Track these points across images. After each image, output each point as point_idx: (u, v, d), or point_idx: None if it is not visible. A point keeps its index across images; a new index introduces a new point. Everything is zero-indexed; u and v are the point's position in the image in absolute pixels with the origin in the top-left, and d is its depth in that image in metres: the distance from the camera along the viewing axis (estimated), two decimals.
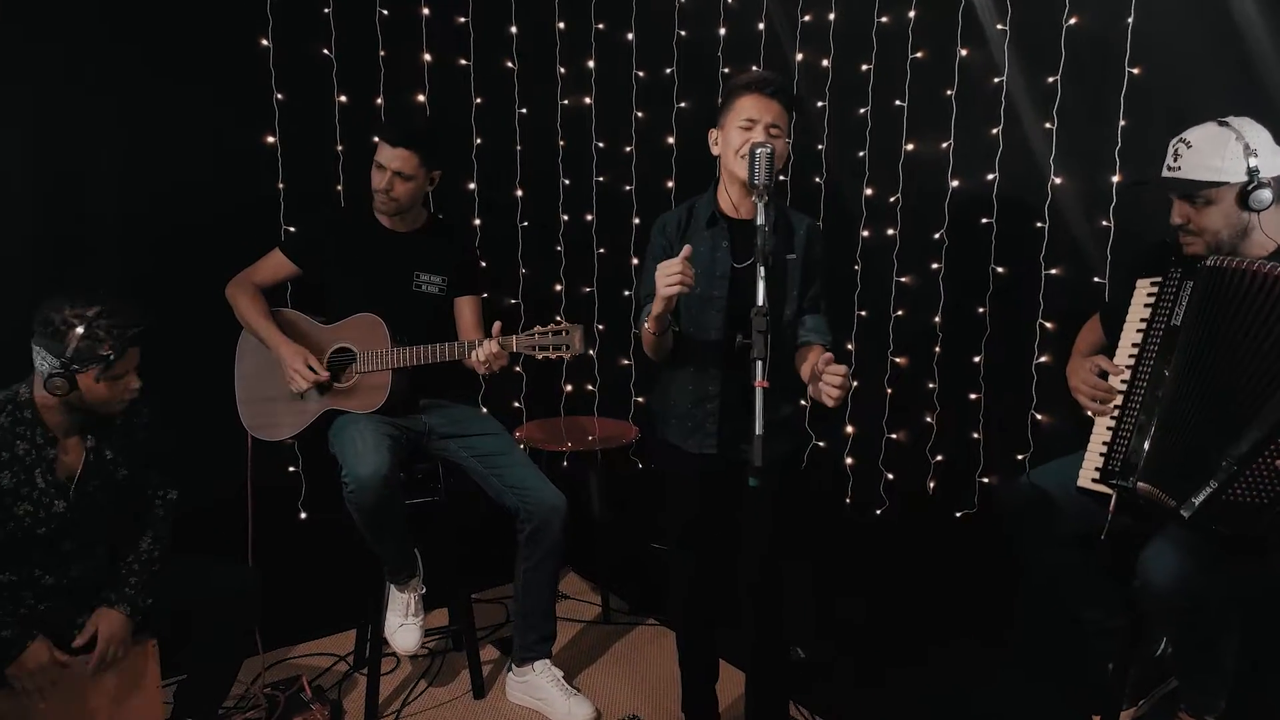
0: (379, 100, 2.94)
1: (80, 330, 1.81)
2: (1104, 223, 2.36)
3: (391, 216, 2.51)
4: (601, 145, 3.32)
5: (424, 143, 2.43)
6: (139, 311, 1.90)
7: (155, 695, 2.06)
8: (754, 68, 2.95)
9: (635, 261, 3.21)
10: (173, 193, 2.68)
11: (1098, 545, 1.95)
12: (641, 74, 3.27)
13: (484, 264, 3.14)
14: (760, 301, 1.73)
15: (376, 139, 2.42)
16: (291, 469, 2.93)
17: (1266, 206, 1.76)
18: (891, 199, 2.83)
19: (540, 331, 2.26)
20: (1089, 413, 1.96)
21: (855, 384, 1.93)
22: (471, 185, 3.12)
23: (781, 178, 3.10)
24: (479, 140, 3.11)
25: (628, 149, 3.31)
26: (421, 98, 3.00)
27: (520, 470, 2.51)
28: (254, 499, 2.57)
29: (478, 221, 3.14)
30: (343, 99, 2.88)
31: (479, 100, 3.10)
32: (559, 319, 2.26)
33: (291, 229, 2.76)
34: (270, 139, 2.80)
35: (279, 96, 2.80)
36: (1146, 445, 1.81)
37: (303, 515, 2.89)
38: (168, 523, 2.08)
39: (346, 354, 2.47)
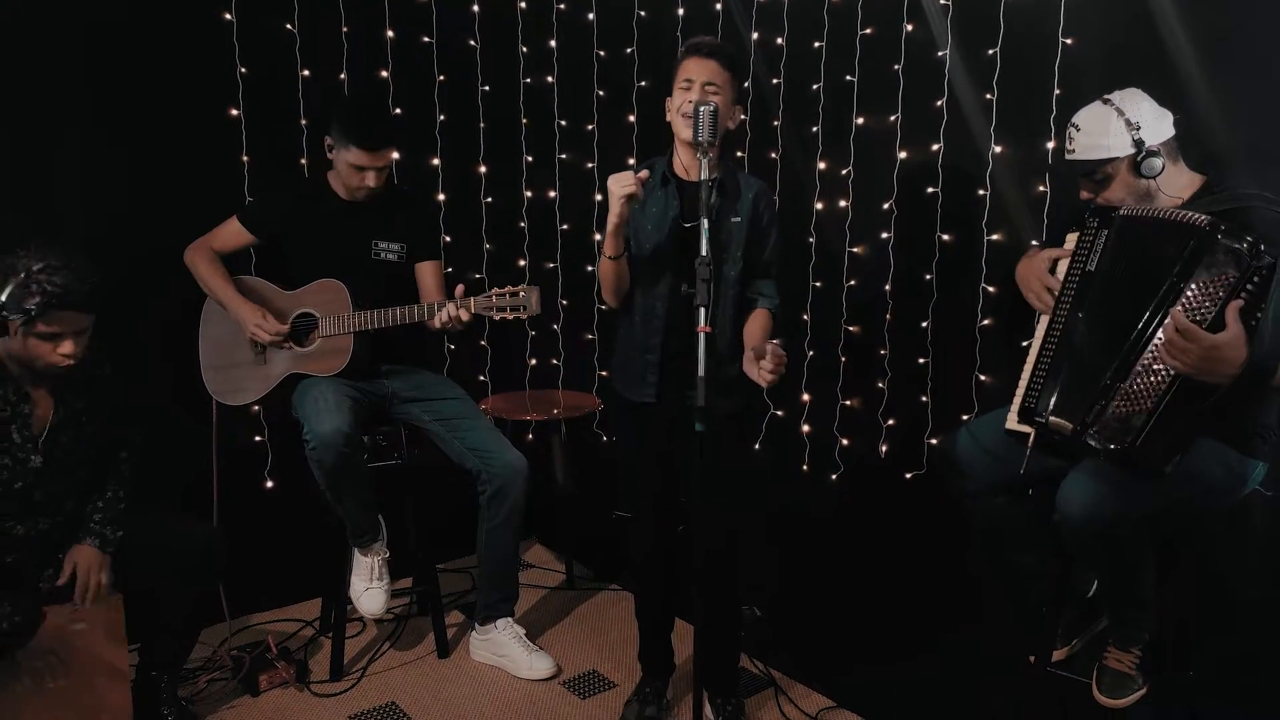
0: (342, 76, 2.99)
1: (18, 278, 1.81)
2: (1040, 188, 2.46)
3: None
4: (564, 123, 3.38)
5: (397, 134, 2.50)
6: (87, 280, 1.86)
7: (121, 649, 2.10)
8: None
9: (598, 238, 3.28)
10: (138, 165, 2.71)
11: (1026, 488, 2.04)
12: (602, 53, 3.33)
13: (448, 239, 3.22)
14: (703, 252, 1.82)
15: (348, 144, 2.42)
16: (258, 438, 2.96)
17: (1159, 172, 1.88)
18: (843, 171, 2.92)
19: (498, 293, 2.32)
20: (1031, 302, 2.05)
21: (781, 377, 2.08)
22: (435, 161, 3.18)
23: (739, 154, 3.18)
24: (442, 117, 3.17)
25: (589, 127, 3.37)
26: (385, 73, 3.05)
27: (482, 433, 2.57)
28: (220, 466, 2.62)
29: (442, 197, 3.19)
30: (305, 73, 2.92)
31: (441, 78, 3.15)
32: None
33: (250, 200, 2.80)
34: (234, 112, 2.84)
35: (242, 70, 2.84)
36: (1059, 383, 1.91)
37: (269, 484, 2.93)
38: (132, 463, 2.13)
39: (309, 318, 2.52)
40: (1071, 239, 2.03)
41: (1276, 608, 2.10)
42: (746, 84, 3.10)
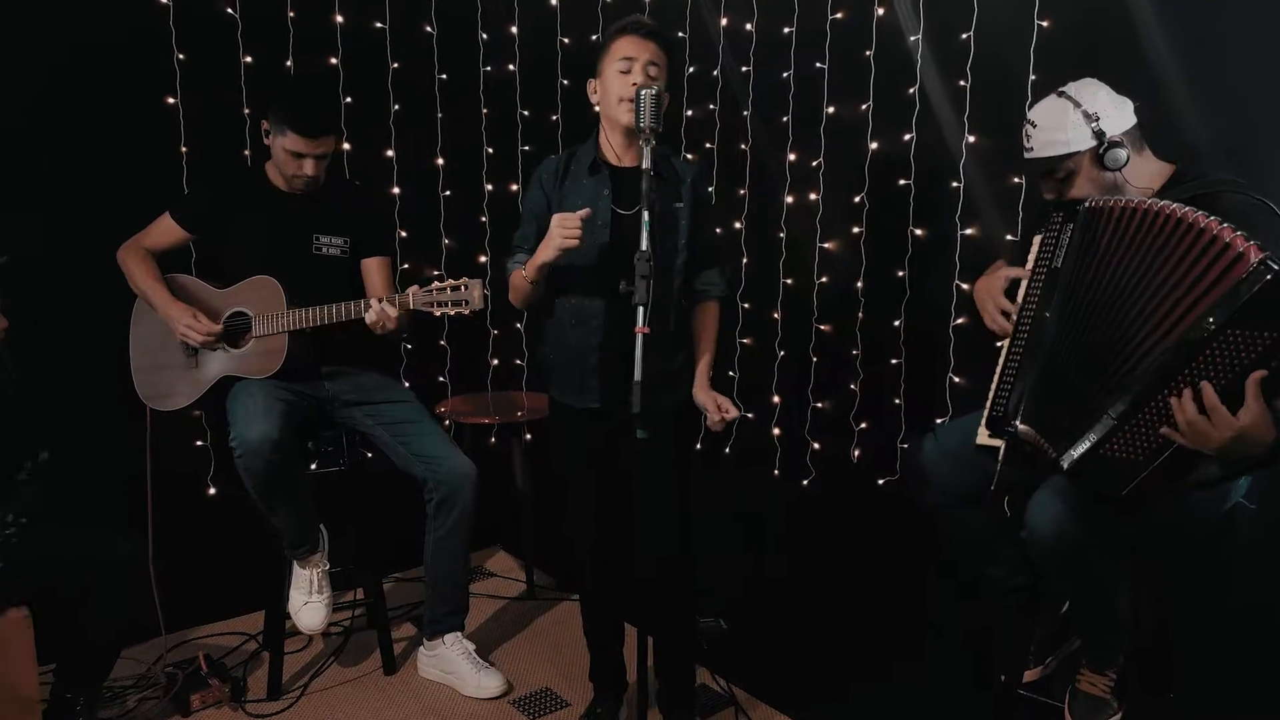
0: (288, 63, 2.86)
1: None
2: (1015, 180, 2.33)
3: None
4: (526, 113, 3.25)
5: (339, 120, 2.36)
6: None
7: (29, 670, 1.97)
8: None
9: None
10: (71, 154, 2.57)
11: (993, 500, 1.91)
12: (566, 41, 3.20)
13: (403, 234, 3.08)
14: (643, 246, 1.69)
15: (285, 128, 2.27)
16: (200, 442, 2.83)
17: (1124, 164, 1.76)
18: (814, 163, 2.79)
19: (438, 287, 2.19)
20: (987, 323, 1.92)
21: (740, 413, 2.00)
22: (390, 152, 3.04)
23: (708, 145, 3.06)
24: (397, 106, 3.03)
25: (554, 117, 3.25)
26: (334, 60, 2.92)
27: (429, 439, 2.44)
28: (154, 473, 2.48)
29: (396, 190, 3.06)
30: (248, 60, 2.79)
31: (395, 65, 3.02)
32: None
33: (184, 194, 2.66)
34: (170, 100, 2.70)
35: (180, 56, 2.71)
36: (1027, 388, 1.77)
37: (211, 491, 2.80)
38: (34, 486, 1.99)
39: (242, 318, 2.39)
40: (1037, 239, 1.90)
41: (1261, 626, 1.98)
42: (715, 72, 2.99)
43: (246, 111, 2.79)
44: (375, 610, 2.58)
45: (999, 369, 1.85)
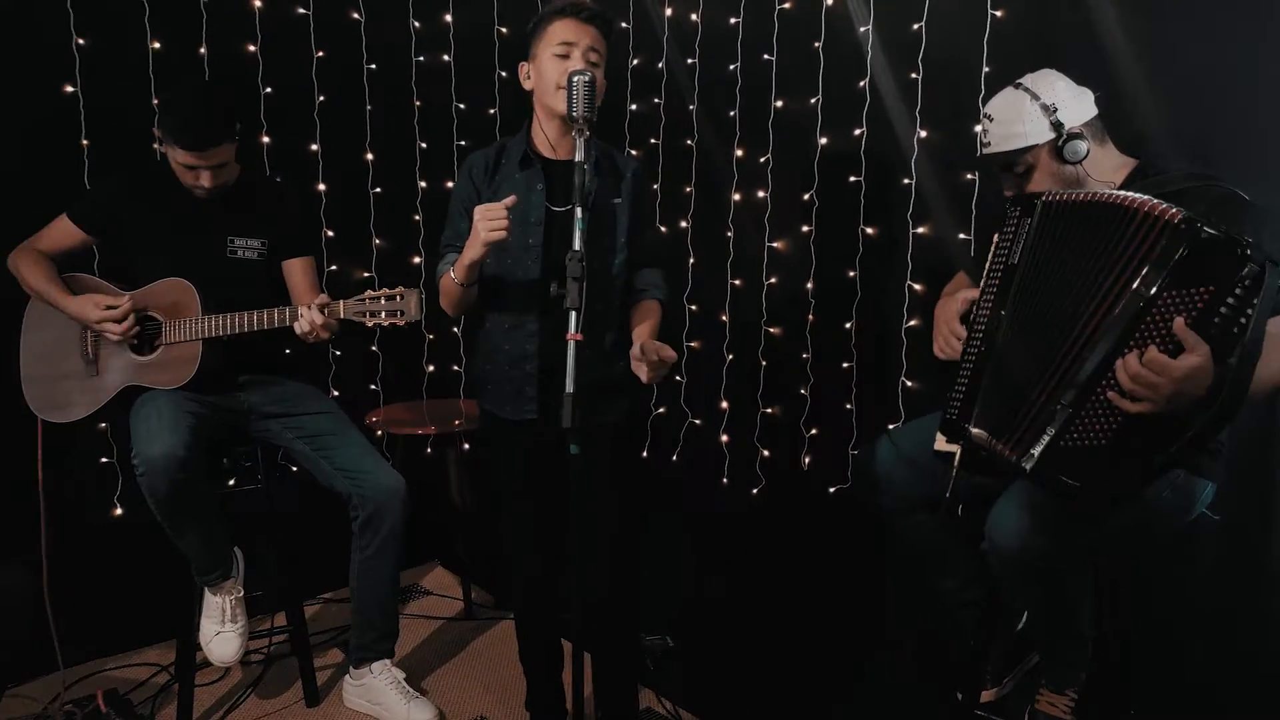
0: (202, 50, 2.66)
1: None
2: (968, 177, 2.25)
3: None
4: (462, 106, 3.09)
5: (233, 125, 2.17)
6: None
7: None
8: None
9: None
10: None
11: (951, 509, 1.82)
12: (504, 30, 3.06)
13: (330, 233, 2.90)
14: (576, 245, 1.55)
15: (172, 142, 2.10)
16: (105, 459, 2.62)
17: (1084, 156, 1.68)
18: (762, 159, 2.69)
19: (372, 296, 2.03)
20: (937, 347, 1.83)
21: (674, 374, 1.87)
22: (314, 147, 2.86)
23: (653, 140, 2.94)
24: (321, 98, 2.85)
25: (491, 111, 3.09)
26: (252, 47, 2.73)
27: (353, 452, 2.27)
28: (50, 492, 2.28)
29: (322, 187, 2.88)
30: (156, 46, 2.58)
31: (320, 54, 2.84)
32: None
33: (84, 193, 2.45)
34: (69, 89, 2.49)
35: (80, 42, 2.49)
36: (982, 391, 1.68)
37: (118, 511, 2.59)
38: None
39: (151, 323, 2.20)
40: (996, 238, 1.81)
41: (1225, 640, 1.91)
42: (660, 64, 2.87)
43: (156, 102, 2.59)
44: (297, 637, 2.40)
45: (957, 361, 1.76)
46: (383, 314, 2.00)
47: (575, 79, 1.62)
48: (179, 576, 2.25)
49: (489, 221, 1.68)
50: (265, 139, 2.76)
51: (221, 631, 2.23)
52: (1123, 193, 1.55)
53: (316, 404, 2.35)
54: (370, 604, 2.33)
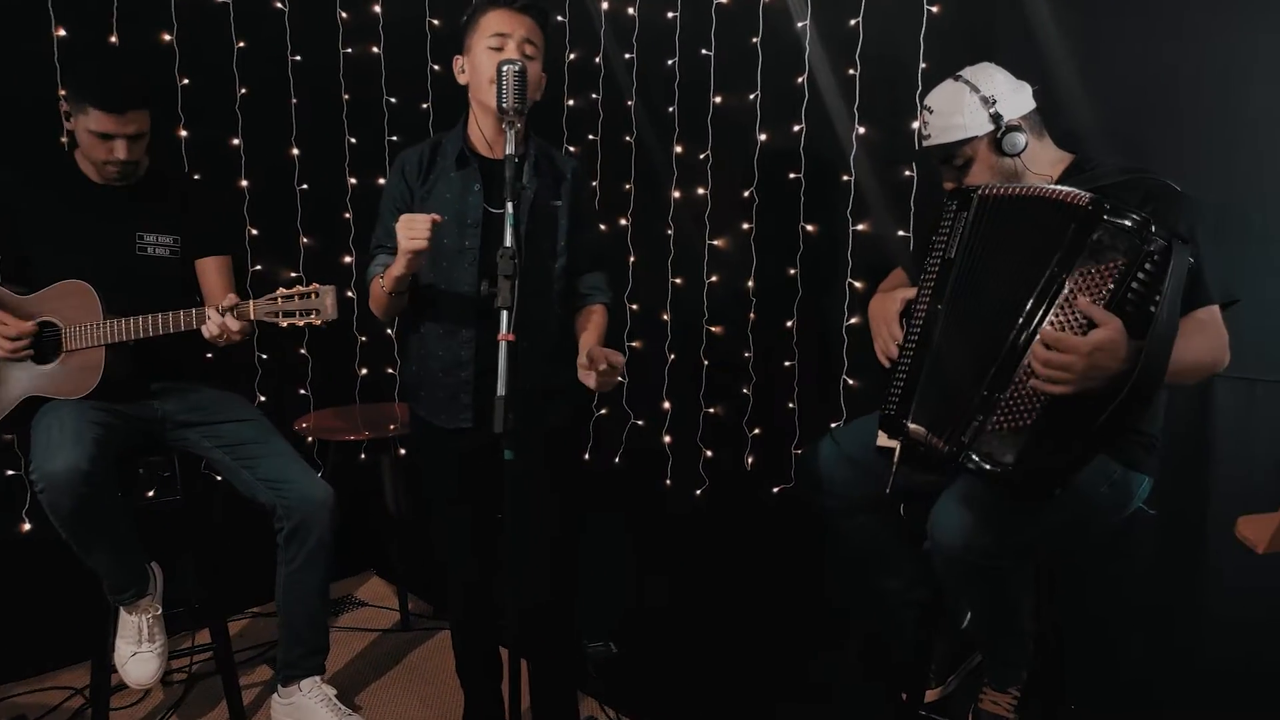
0: (113, 39, 2.51)
1: None
2: (906, 173, 2.24)
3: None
4: (394, 100, 2.99)
5: (148, 94, 2.05)
6: None
7: None
8: None
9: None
10: None
11: (892, 506, 1.80)
12: (436, 23, 2.97)
13: (254, 231, 2.78)
14: (507, 242, 1.49)
15: (85, 105, 1.97)
16: (11, 471, 2.47)
17: (1022, 148, 1.69)
18: (701, 155, 2.65)
19: (284, 295, 1.92)
20: (878, 349, 1.81)
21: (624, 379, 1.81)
22: (235, 141, 2.73)
23: (591, 137, 2.88)
24: (243, 90, 2.73)
25: (424, 105, 3.00)
26: (167, 37, 2.59)
27: (276, 461, 2.16)
28: None
29: (245, 183, 2.75)
30: (61, 33, 2.44)
31: (241, 44, 2.71)
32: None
33: None
34: None
35: None
36: (919, 386, 1.67)
37: (26, 526, 2.44)
38: None
39: (50, 329, 2.06)
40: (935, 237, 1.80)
41: (1161, 633, 1.93)
42: (598, 59, 2.81)
43: (63, 93, 2.43)
44: (221, 654, 2.28)
45: (894, 359, 1.74)
46: (297, 314, 1.90)
47: (505, 69, 1.55)
48: (92, 594, 2.12)
49: (409, 232, 1.61)
50: (183, 133, 2.62)
51: (138, 652, 2.10)
52: (1053, 185, 1.59)
53: (237, 411, 2.23)
54: (298, 619, 2.22)
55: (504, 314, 1.45)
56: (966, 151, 1.72)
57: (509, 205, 1.50)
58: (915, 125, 2.11)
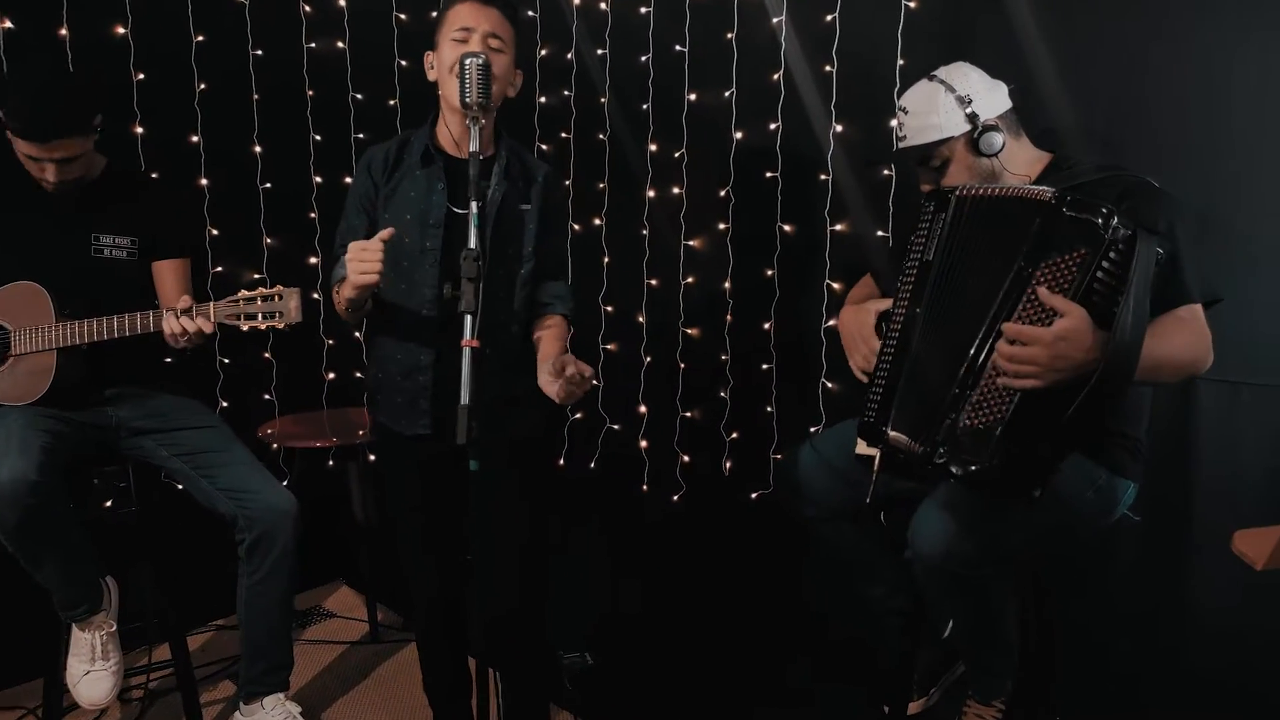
0: (63, 31, 2.42)
1: None
2: (885, 172, 2.20)
3: None
4: (359, 97, 2.91)
5: (88, 116, 1.96)
6: None
7: None
8: None
9: None
10: None
11: (873, 515, 1.75)
12: (403, 16, 2.89)
13: (215, 232, 2.69)
14: (471, 244, 1.42)
15: (13, 133, 1.89)
16: None
17: (999, 148, 1.66)
18: (676, 154, 2.59)
19: (246, 296, 1.85)
20: (855, 365, 1.77)
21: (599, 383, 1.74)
22: (195, 138, 2.64)
23: (564, 135, 2.81)
24: (202, 86, 2.63)
25: (391, 102, 2.92)
26: (122, 30, 2.49)
27: (237, 470, 2.09)
28: None
29: (204, 181, 2.66)
30: (8, 25, 2.33)
31: (200, 38, 2.62)
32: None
33: None
34: None
35: None
36: (898, 392, 1.63)
37: None
38: None
39: (1, 333, 1.98)
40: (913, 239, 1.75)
41: (1147, 642, 1.90)
42: (570, 55, 2.75)
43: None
44: (181, 670, 2.20)
45: (872, 370, 1.70)
46: (259, 316, 1.83)
47: (467, 61, 1.49)
48: (43, 609, 2.03)
49: (361, 261, 1.54)
50: (139, 130, 2.53)
51: (91, 671, 2.02)
52: (1028, 185, 1.57)
53: (196, 418, 2.15)
54: (260, 634, 2.14)
55: (467, 319, 1.38)
56: (943, 152, 1.68)
57: (473, 205, 1.44)
58: (894, 124, 2.06)
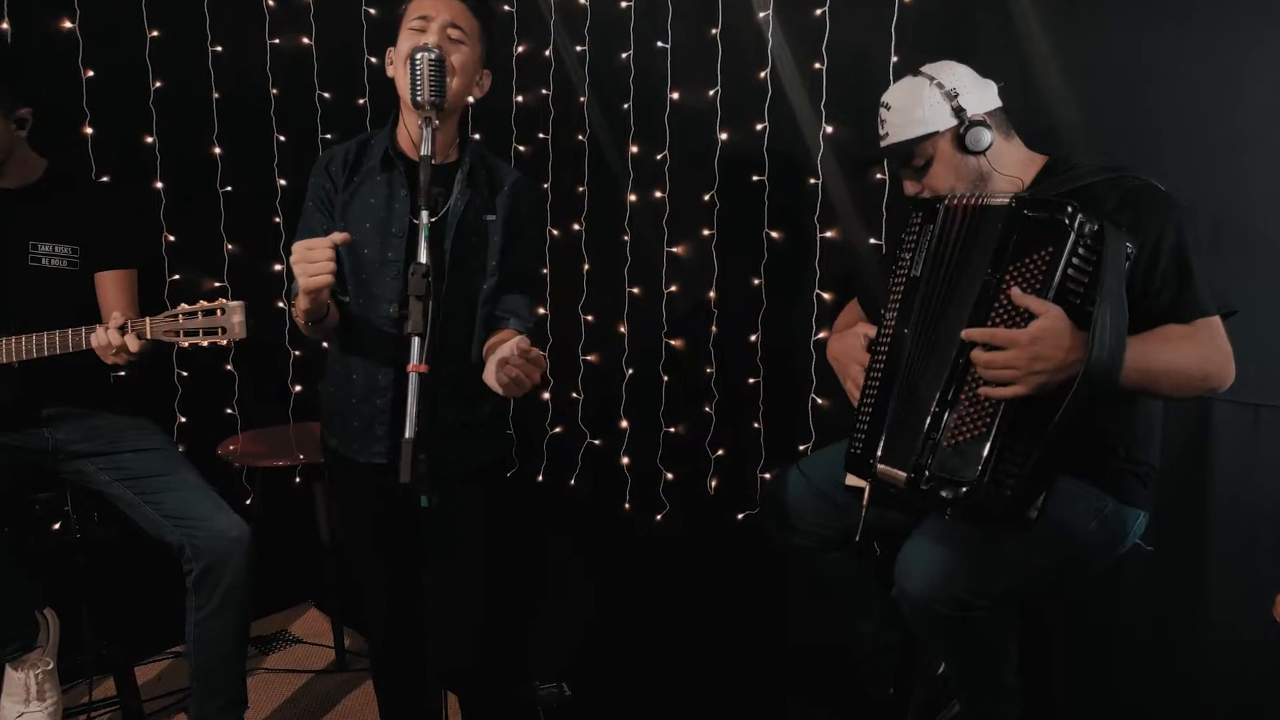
0: (4, 25, 2.28)
1: None
2: (878, 176, 2.07)
3: None
4: (327, 95, 2.77)
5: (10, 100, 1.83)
6: None
7: None
8: None
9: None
10: None
11: (864, 549, 1.63)
12: (372, 11, 2.76)
13: (171, 238, 2.55)
14: (421, 257, 1.29)
15: None
16: None
17: (987, 145, 1.54)
18: (659, 156, 2.47)
19: (186, 311, 1.71)
20: (849, 390, 1.64)
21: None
22: (149, 139, 2.50)
23: (541, 135, 2.68)
24: (158, 83, 2.49)
25: (360, 101, 2.79)
26: (69, 24, 2.35)
27: (184, 495, 1.95)
28: None
29: (159, 184, 2.52)
30: None
31: (155, 33, 2.48)
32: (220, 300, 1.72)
33: None
34: None
35: None
36: (885, 419, 1.50)
37: None
38: None
39: None
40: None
41: (1157, 677, 1.77)
42: (547, 52, 2.62)
43: None
44: (127, 707, 2.06)
45: (859, 396, 1.57)
46: (200, 333, 1.68)
47: (418, 55, 1.36)
48: None
49: (307, 264, 1.38)
50: (88, 130, 2.39)
51: (25, 713, 1.88)
52: (1013, 193, 1.48)
53: (141, 439, 2.01)
54: (212, 670, 2.00)
55: (415, 341, 1.25)
56: (927, 149, 1.57)
57: (424, 215, 1.31)
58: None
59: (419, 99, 1.37)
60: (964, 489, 1.36)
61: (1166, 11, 1.70)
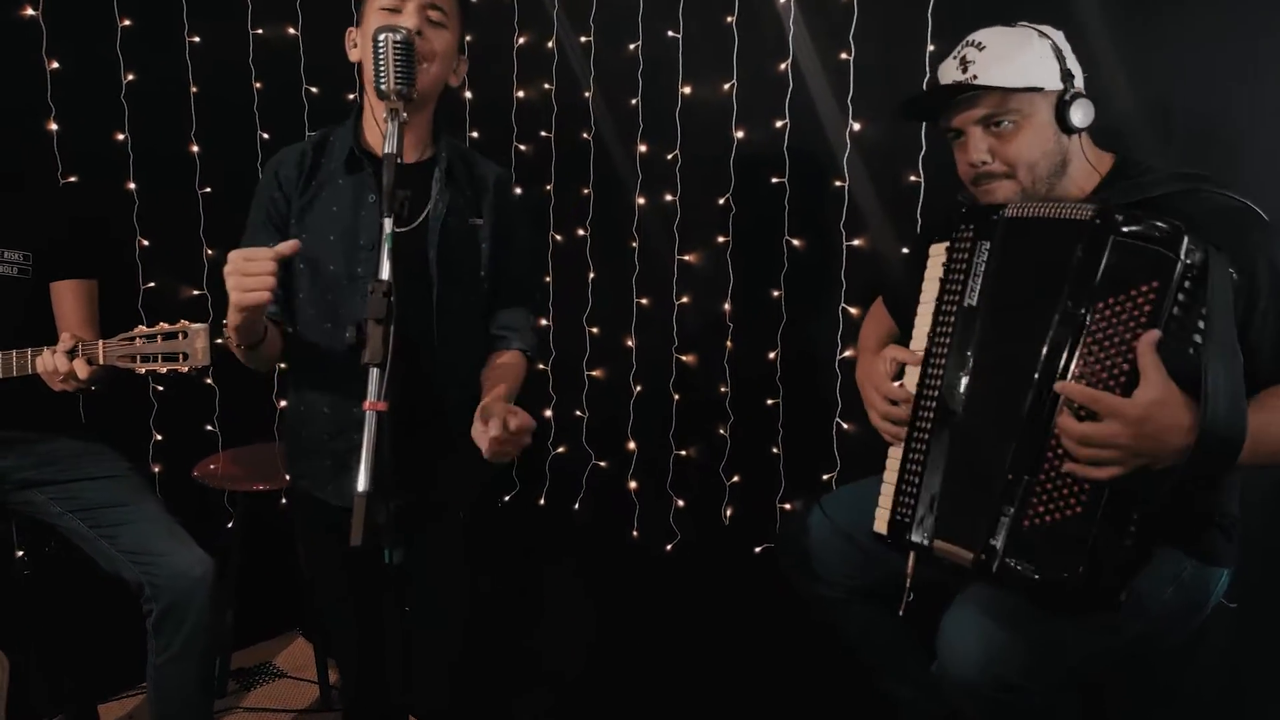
0: None
1: None
2: (912, 178, 1.87)
3: None
4: (314, 90, 2.60)
5: None
6: None
7: None
8: None
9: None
10: None
11: (906, 594, 1.42)
12: None
13: (145, 243, 2.38)
14: (382, 275, 1.10)
15: None
16: None
17: (1088, 124, 1.30)
18: (669, 156, 2.28)
19: (144, 334, 1.54)
20: (873, 421, 1.43)
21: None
22: (121, 136, 2.33)
23: (544, 134, 2.50)
24: (130, 77, 2.32)
25: (350, 96, 2.61)
26: (31, 12, 2.18)
27: (142, 528, 1.78)
28: None
29: (132, 185, 2.35)
30: None
31: (126, 23, 2.31)
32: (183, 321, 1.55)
33: None
34: None
35: None
36: (939, 483, 1.28)
37: None
38: None
39: None
40: (937, 251, 1.39)
41: None
42: (550, 44, 2.44)
43: None
44: None
45: (902, 448, 1.35)
46: (159, 358, 1.52)
47: (382, 36, 1.17)
48: None
49: (244, 278, 1.19)
50: (53, 126, 2.22)
51: None
52: (1091, 204, 1.23)
53: (98, 466, 1.83)
54: (174, 717, 1.83)
55: (373, 373, 1.06)
56: (1023, 106, 1.29)
57: (386, 222, 1.12)
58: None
59: (383, 87, 1.18)
60: (1064, 575, 1.15)
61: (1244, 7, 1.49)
